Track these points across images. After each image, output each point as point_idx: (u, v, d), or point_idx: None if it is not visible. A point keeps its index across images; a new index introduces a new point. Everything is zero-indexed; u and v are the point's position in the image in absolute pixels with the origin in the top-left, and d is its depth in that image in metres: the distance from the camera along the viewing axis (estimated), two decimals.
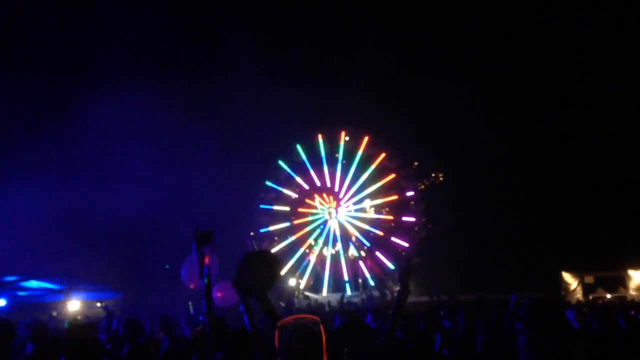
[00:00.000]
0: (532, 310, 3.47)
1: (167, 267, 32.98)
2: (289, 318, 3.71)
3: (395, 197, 42.65)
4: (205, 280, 4.55)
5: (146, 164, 40.63)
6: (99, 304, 19.43)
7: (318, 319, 3.61)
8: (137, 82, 38.98)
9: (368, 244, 43.19)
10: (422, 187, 42.29)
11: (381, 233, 42.76)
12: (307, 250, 44.39)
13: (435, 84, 42.75)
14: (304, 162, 45.05)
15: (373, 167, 43.28)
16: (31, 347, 6.89)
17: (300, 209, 45.12)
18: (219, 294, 10.47)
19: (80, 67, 40.28)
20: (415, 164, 42.35)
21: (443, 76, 44.06)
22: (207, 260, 4.65)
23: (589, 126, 40.99)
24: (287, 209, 44.86)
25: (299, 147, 44.78)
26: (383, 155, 42.90)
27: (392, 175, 42.65)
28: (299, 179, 45.05)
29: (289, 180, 45.08)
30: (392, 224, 42.83)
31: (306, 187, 45.17)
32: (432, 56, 45.47)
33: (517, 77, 43.76)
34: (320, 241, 44.71)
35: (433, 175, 44.36)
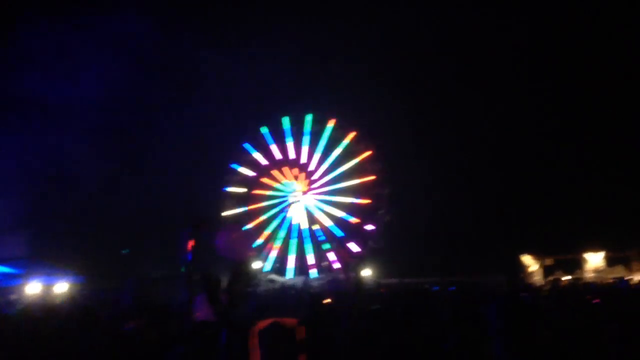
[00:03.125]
0: (507, 308, 3.50)
1: (125, 251, 32.63)
2: (267, 321, 3.71)
3: (373, 177, 42.64)
4: (187, 269, 4.50)
5: (103, 149, 40.06)
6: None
7: (295, 322, 3.62)
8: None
9: (341, 234, 43.12)
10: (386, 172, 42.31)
11: (357, 220, 42.76)
12: (272, 235, 44.19)
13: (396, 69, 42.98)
14: (268, 147, 44.82)
15: (344, 144, 43.38)
16: None
17: (265, 191, 44.88)
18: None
19: None
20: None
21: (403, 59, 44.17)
22: (189, 246, 4.58)
23: (548, 110, 41.70)
24: (258, 191, 44.60)
25: (284, 120, 44.48)
26: (352, 134, 43.02)
27: (368, 153, 42.77)
28: (264, 162, 44.80)
29: (253, 163, 44.79)
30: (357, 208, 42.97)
31: (272, 170, 44.97)
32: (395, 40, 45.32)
33: (476, 65, 44.08)
34: (286, 225, 44.59)
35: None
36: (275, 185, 44.97)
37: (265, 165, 44.89)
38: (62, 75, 36.93)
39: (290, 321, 3.86)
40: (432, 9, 43.79)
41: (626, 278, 31.74)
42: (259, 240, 43.38)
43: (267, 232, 44.01)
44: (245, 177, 44.63)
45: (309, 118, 44.14)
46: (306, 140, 44.49)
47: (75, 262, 27.47)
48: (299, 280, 40.44)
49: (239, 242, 4.61)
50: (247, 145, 44.59)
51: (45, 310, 9.29)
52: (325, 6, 45.24)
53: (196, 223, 4.73)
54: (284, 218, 44.77)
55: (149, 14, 41.60)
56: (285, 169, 44.96)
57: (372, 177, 42.36)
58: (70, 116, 39.97)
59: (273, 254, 43.50)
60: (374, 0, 45.07)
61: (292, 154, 44.81)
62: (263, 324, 3.70)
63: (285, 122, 44.54)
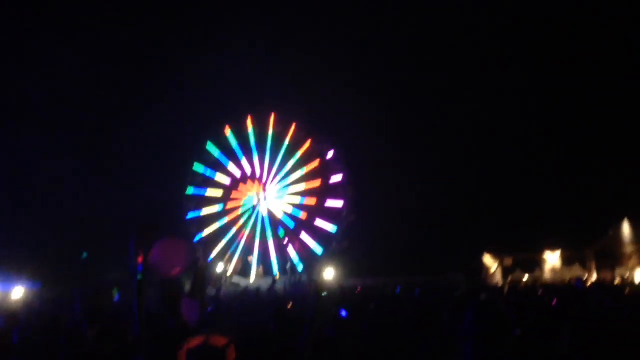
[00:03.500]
0: (478, 314, 3.52)
1: (84, 255, 32.00)
2: (197, 339, 3.64)
3: (318, 184, 42.80)
4: (139, 277, 4.39)
5: (63, 151, 39.23)
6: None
7: (226, 341, 3.56)
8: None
9: (291, 225, 43.18)
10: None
11: (304, 216, 42.87)
12: (237, 232, 43.88)
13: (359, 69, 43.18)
14: (231, 147, 44.43)
15: (299, 153, 43.42)
16: None
17: (230, 193, 44.51)
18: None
19: None
20: (331, 152, 42.50)
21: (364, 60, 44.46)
22: (140, 259, 4.47)
23: (507, 113, 42.50)
24: (219, 194, 44.15)
25: (230, 133, 44.21)
26: (309, 141, 42.98)
27: (317, 162, 42.79)
28: (229, 163, 44.44)
29: (217, 164, 44.36)
30: (318, 208, 43.01)
31: (235, 171, 44.60)
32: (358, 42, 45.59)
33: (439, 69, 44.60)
34: (250, 225, 44.32)
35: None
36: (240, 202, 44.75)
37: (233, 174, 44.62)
38: (13, 71, 36.16)
39: (221, 340, 3.75)
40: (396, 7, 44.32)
41: (584, 278, 32.66)
42: (227, 238, 43.16)
43: (229, 235, 43.69)
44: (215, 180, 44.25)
45: (271, 119, 43.95)
46: (269, 141, 44.36)
47: (31, 267, 26.82)
48: (264, 281, 40.27)
49: (170, 256, 4.52)
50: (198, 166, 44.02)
51: (4, 317, 9.00)
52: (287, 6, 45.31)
53: (142, 230, 4.61)
54: (246, 220, 44.50)
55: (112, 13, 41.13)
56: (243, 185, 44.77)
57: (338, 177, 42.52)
58: (25, 116, 39.12)
59: (237, 255, 43.21)
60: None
61: (247, 167, 44.58)
62: (193, 342, 3.65)
63: (249, 122, 44.27)
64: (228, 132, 44.12)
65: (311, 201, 43.22)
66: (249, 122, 44.11)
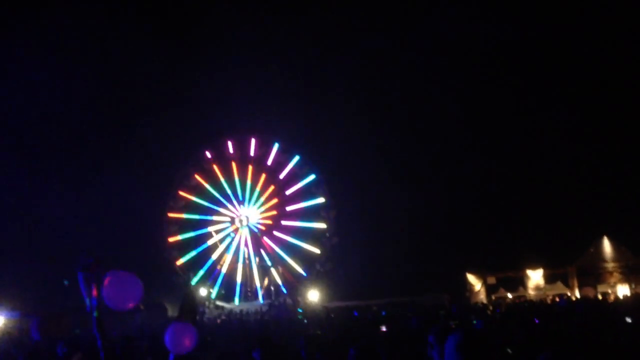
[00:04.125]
0: (463, 342, 3.55)
1: (65, 282, 31.49)
2: None
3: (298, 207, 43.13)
4: (95, 314, 4.35)
5: (43, 179, 38.89)
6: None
7: None
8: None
9: (281, 254, 43.10)
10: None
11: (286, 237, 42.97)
12: (218, 260, 43.53)
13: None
14: (213, 170, 44.30)
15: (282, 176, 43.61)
16: None
17: (212, 217, 44.28)
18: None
19: None
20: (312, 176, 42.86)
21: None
22: (94, 292, 4.43)
23: (489, 134, 43.08)
24: (198, 217, 43.89)
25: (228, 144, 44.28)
26: (296, 159, 43.23)
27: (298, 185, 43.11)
28: (209, 188, 44.25)
29: (198, 187, 44.15)
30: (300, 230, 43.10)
31: (217, 195, 44.41)
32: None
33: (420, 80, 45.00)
34: (232, 250, 44.04)
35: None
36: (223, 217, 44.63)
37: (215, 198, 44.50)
38: None
39: None
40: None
41: (565, 295, 32.93)
42: (207, 265, 42.84)
43: (214, 257, 43.38)
44: (196, 204, 44.02)
45: (252, 142, 44.05)
46: (250, 164, 44.41)
47: (10, 296, 26.36)
48: (246, 305, 39.98)
49: (124, 290, 4.57)
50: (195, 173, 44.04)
51: None
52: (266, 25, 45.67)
53: (87, 264, 4.56)
54: (229, 243, 44.25)
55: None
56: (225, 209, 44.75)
57: (319, 201, 42.66)
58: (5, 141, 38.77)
59: (219, 280, 42.84)
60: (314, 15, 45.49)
61: (237, 179, 44.56)
62: None
63: (229, 146, 44.22)
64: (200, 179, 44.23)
65: (292, 223, 43.28)
66: (230, 147, 44.07)
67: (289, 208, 43.86)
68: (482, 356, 3.47)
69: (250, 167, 44.24)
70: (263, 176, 44.14)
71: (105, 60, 43.55)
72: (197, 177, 43.93)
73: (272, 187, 44.18)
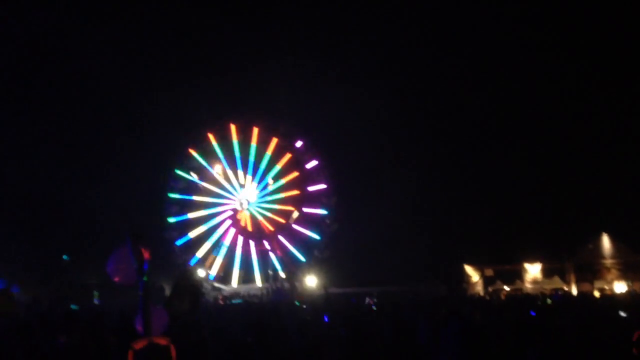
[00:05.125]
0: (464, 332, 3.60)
1: (65, 258, 31.67)
2: (142, 340, 3.93)
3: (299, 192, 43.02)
4: (145, 278, 4.48)
5: (43, 155, 38.96)
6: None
7: (167, 341, 3.87)
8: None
9: (280, 239, 43.14)
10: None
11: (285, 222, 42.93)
12: (218, 242, 43.61)
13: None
14: (214, 152, 44.23)
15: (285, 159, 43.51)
16: None
17: (212, 199, 44.29)
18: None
19: None
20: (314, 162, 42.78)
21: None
22: (146, 255, 4.57)
23: (489, 128, 43.09)
24: (202, 198, 43.89)
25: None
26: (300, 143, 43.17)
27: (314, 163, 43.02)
28: (210, 169, 44.19)
29: (199, 169, 44.10)
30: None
31: (218, 177, 44.36)
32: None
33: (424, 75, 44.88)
34: (231, 232, 44.10)
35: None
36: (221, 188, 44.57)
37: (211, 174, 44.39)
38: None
39: (163, 340, 4.09)
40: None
41: (561, 289, 33.06)
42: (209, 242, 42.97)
43: (211, 240, 43.45)
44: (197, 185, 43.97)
45: (255, 131, 44.00)
46: (253, 150, 44.33)
47: (8, 270, 26.48)
48: (244, 288, 40.19)
49: (129, 265, 4.67)
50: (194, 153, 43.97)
51: None
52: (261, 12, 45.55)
53: (137, 234, 4.71)
54: (229, 226, 44.29)
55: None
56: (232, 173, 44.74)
57: (320, 187, 42.65)
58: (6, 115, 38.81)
59: (217, 262, 42.94)
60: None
61: (239, 164, 44.51)
62: (139, 344, 3.97)
63: (232, 130, 44.12)
64: (212, 140, 43.88)
65: (293, 207, 43.32)
66: (233, 131, 43.95)
67: (289, 193, 43.87)
68: (479, 344, 3.53)
69: (253, 150, 44.19)
70: (266, 159, 44.11)
71: (113, 37, 43.43)
72: (199, 157, 43.88)
73: (274, 171, 44.12)
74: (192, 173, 43.21)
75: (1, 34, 37.10)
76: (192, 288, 5.40)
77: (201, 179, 43.70)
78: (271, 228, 44.01)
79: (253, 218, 44.55)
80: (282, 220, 43.69)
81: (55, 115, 41.09)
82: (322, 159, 42.92)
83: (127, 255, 4.66)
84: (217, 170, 43.70)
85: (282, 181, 44.10)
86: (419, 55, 43.75)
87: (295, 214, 42.06)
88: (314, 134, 43.29)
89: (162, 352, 3.87)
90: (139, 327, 4.49)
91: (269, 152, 43.97)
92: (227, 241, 43.74)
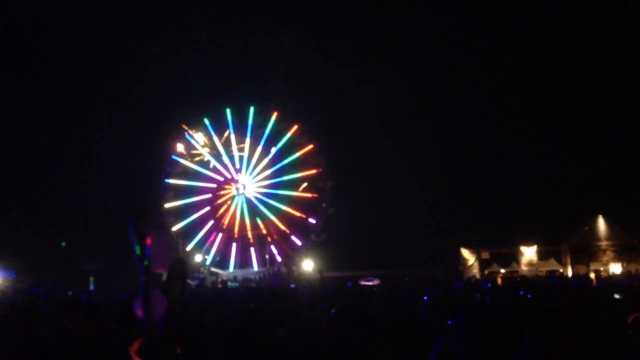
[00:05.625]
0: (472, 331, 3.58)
1: (63, 244, 31.74)
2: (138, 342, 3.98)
3: (313, 171, 42.76)
4: (146, 263, 4.37)
5: (40, 142, 38.78)
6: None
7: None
8: None
9: (277, 222, 43.12)
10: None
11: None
12: (214, 227, 43.57)
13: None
14: (211, 136, 44.11)
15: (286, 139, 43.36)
16: None
17: (209, 184, 44.21)
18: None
19: None
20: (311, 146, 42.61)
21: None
22: (148, 240, 4.44)
23: (483, 110, 43.05)
24: (200, 184, 43.78)
25: (226, 111, 43.84)
26: (295, 127, 42.92)
27: (310, 147, 42.75)
28: (207, 155, 44.11)
29: (195, 154, 44.03)
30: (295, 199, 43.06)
31: (214, 162, 44.27)
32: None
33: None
34: (229, 216, 44.08)
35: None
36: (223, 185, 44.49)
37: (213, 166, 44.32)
38: None
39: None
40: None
41: (558, 271, 33.33)
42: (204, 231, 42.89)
43: (208, 225, 43.42)
44: (187, 168, 43.81)
45: (251, 110, 43.76)
46: (248, 132, 44.12)
47: (7, 257, 26.48)
48: (241, 272, 40.24)
49: (156, 252, 4.59)
50: (188, 137, 43.81)
51: None
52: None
53: (138, 213, 4.58)
54: (226, 211, 44.27)
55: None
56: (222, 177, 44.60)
57: (315, 171, 42.50)
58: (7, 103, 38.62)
59: (214, 247, 42.96)
60: None
61: (234, 147, 44.35)
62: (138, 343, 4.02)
63: (228, 113, 43.95)
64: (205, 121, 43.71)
65: (289, 193, 43.27)
66: (228, 115, 43.79)
67: (286, 177, 43.76)
68: (489, 332, 3.52)
69: (248, 135, 44.03)
70: (261, 144, 43.97)
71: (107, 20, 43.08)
72: (195, 143, 43.79)
73: (270, 155, 43.96)
74: (188, 158, 43.16)
75: None
76: (181, 273, 5.38)
77: (197, 163, 43.66)
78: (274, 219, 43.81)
79: (249, 202, 44.44)
80: (278, 205, 43.59)
81: (51, 100, 40.86)
82: (318, 143, 42.74)
83: (161, 240, 4.61)
84: (215, 147, 43.58)
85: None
86: (417, 38, 43.54)
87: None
88: (310, 119, 43.13)
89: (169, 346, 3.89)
90: (139, 312, 4.45)
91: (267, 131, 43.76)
92: (224, 225, 43.75)
